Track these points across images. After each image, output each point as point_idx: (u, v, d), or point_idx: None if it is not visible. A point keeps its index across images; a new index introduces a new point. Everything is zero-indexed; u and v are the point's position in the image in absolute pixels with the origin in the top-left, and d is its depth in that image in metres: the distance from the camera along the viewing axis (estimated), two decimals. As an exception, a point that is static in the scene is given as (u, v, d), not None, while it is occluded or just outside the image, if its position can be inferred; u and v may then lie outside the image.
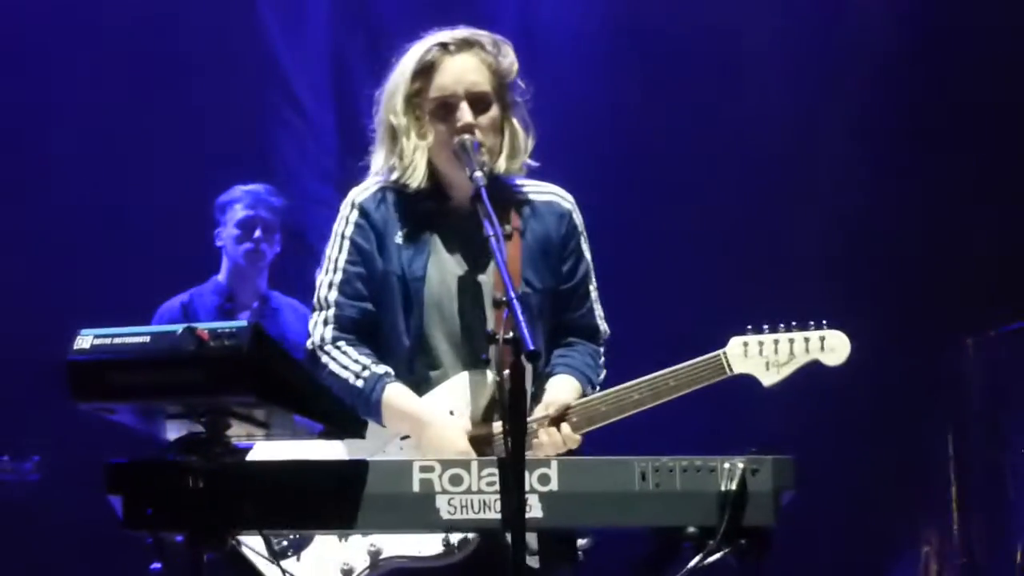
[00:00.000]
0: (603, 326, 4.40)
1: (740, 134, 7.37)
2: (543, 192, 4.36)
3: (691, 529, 3.57)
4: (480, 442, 4.14)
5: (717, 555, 3.54)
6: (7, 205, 7.67)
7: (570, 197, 4.39)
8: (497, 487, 3.54)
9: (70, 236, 7.73)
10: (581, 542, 4.18)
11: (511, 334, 3.50)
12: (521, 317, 3.50)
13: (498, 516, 3.54)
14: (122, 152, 7.72)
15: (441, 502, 3.56)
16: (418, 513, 3.56)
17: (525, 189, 4.35)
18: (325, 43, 7.82)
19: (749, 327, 4.19)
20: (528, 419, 4.03)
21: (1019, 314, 6.75)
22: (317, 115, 7.88)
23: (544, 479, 3.57)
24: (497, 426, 4.15)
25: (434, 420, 4.13)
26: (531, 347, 3.46)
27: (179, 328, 3.35)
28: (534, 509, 3.54)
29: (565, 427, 4.13)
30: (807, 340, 4.18)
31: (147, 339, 3.38)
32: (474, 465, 3.58)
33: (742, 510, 3.55)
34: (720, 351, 4.18)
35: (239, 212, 6.98)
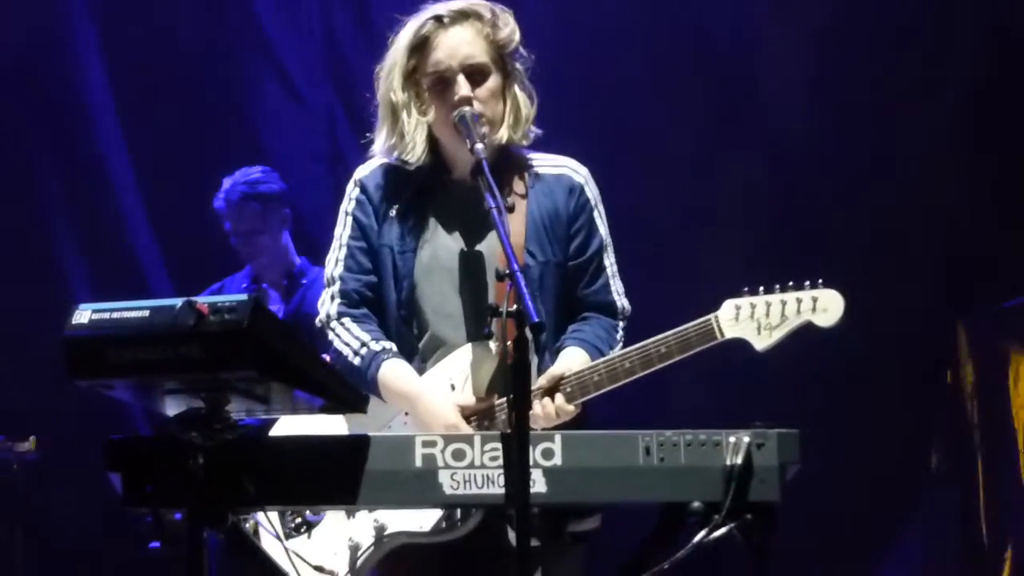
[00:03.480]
0: (620, 302, 4.32)
1: (747, 108, 7.30)
2: (554, 165, 4.32)
3: (696, 504, 3.53)
4: (481, 415, 4.12)
5: (722, 530, 3.51)
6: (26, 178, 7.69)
7: (583, 170, 4.33)
8: (500, 462, 3.52)
9: (83, 220, 7.78)
10: (584, 525, 4.13)
11: (515, 307, 3.47)
12: (525, 290, 3.47)
13: (501, 491, 3.52)
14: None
15: (444, 477, 3.53)
16: (420, 489, 3.53)
17: (535, 161, 4.31)
18: (317, 20, 7.76)
19: (746, 289, 4.09)
20: None
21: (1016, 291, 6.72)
22: (310, 95, 7.83)
23: (548, 453, 3.53)
24: (497, 398, 4.13)
25: (423, 395, 4.11)
26: (535, 319, 3.43)
27: (178, 302, 3.30)
28: (537, 484, 3.51)
29: (559, 398, 4.09)
30: (799, 301, 4.04)
31: (146, 313, 3.32)
32: (477, 440, 3.55)
33: (747, 485, 3.52)
34: (712, 315, 4.08)
35: (223, 208, 7.13)
